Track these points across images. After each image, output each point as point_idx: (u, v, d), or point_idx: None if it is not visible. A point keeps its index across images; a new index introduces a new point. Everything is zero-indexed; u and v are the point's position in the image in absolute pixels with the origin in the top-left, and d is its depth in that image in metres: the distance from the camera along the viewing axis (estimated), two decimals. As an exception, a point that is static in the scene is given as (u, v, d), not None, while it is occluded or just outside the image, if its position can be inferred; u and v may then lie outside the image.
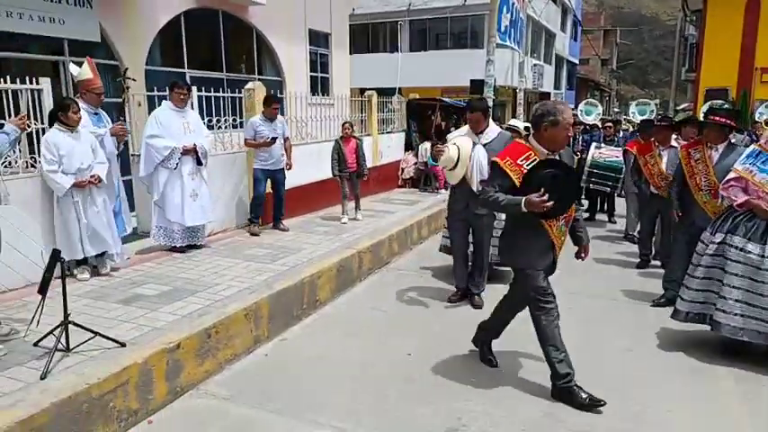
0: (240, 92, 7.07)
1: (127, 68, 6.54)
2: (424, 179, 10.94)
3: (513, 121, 6.99)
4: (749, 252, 3.79)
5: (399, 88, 17.82)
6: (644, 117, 12.21)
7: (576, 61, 38.66)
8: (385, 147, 10.74)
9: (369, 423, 3.13)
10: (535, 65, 25.53)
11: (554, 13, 29.41)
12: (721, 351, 4.03)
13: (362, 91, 11.00)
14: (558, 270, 6.28)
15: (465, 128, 5.04)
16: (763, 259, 3.73)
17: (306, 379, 3.67)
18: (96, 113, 5.02)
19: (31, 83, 4.58)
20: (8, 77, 4.47)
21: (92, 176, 4.50)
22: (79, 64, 4.98)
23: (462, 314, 4.91)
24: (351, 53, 14.94)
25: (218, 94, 6.75)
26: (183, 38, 9.15)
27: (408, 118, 12.07)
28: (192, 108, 6.02)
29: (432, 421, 3.15)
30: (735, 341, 3.89)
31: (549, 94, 29.11)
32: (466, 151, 4.66)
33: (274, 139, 6.51)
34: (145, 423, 3.18)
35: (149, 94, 6.85)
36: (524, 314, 4.57)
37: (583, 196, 10.52)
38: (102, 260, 4.87)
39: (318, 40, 13.09)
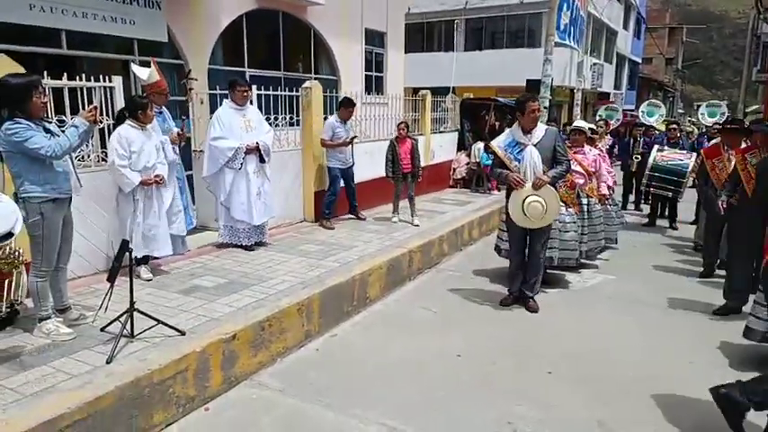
0: (297, 90, 7.20)
1: (190, 70, 6.71)
2: (477, 179, 10.82)
3: (578, 122, 6.77)
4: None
5: (453, 87, 17.68)
6: (714, 119, 11.69)
7: (639, 60, 37.19)
8: (437, 146, 10.70)
9: (417, 422, 3.13)
10: (594, 64, 24.76)
11: (616, 10, 28.42)
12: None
13: (416, 90, 11.00)
14: (613, 276, 6.14)
15: (508, 130, 4.94)
16: None
17: (355, 375, 3.72)
18: (160, 112, 5.13)
19: (103, 81, 4.81)
20: (83, 75, 4.71)
21: (156, 176, 4.54)
22: (143, 64, 5.16)
23: (514, 318, 4.83)
24: (405, 52, 14.94)
25: (276, 93, 6.91)
26: (244, 38, 9.41)
27: (462, 117, 11.97)
28: (252, 104, 6.16)
29: (481, 424, 3.13)
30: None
31: (608, 94, 28.18)
32: (548, 194, 4.58)
33: (353, 138, 6.96)
34: (201, 410, 3.30)
35: (212, 92, 7.08)
36: (574, 312, 4.48)
37: (642, 201, 10.20)
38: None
39: (374, 39, 13.16)
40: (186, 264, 5.19)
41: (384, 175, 7.39)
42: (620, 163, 10.23)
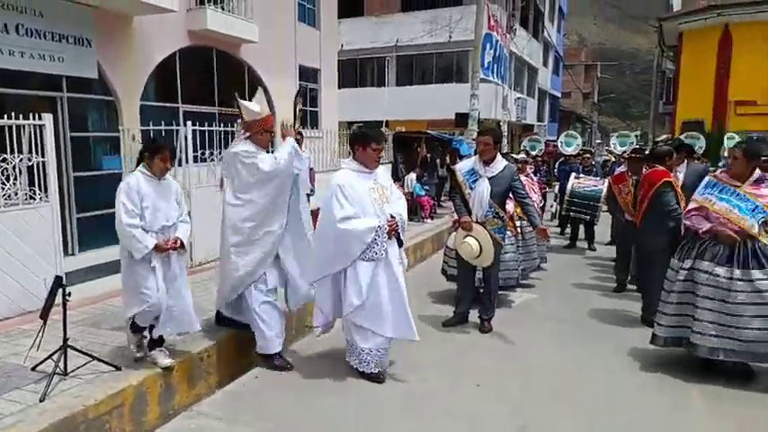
0: (231, 125, 7.31)
1: (300, 90, 5.06)
2: (410, 209, 11.16)
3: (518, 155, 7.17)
4: (718, 275, 4.00)
5: (386, 121, 18.25)
6: (624, 148, 12.73)
7: (559, 95, 39.73)
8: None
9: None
10: (518, 98, 26.24)
11: (536, 48, 30.37)
12: (696, 368, 4.22)
13: (350, 124, 11.36)
14: (536, 295, 6.54)
15: (475, 158, 5.19)
16: (731, 281, 3.94)
17: (294, 399, 3.80)
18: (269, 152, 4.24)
19: (33, 119, 4.77)
20: (12, 114, 4.66)
21: (174, 240, 3.67)
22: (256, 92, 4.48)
23: (446, 339, 5.05)
24: (339, 87, 15.36)
25: (211, 128, 6.99)
26: (178, 74, 9.45)
27: (395, 150, 12.42)
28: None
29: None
30: (708, 359, 4.10)
31: (532, 126, 29.81)
32: (484, 238, 4.83)
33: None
34: (140, 443, 3.30)
35: (143, 128, 7.08)
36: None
37: (567, 225, 10.87)
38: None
39: (308, 75, 13.50)
40: (118, 300, 5.09)
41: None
42: (557, 184, 10.84)
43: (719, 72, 19.95)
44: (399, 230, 3.95)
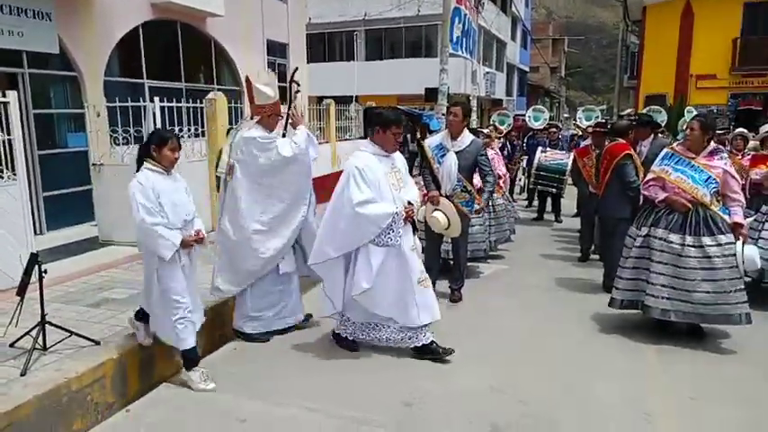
0: (200, 101, 7.23)
1: (297, 69, 5.29)
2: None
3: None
4: (671, 242, 4.25)
5: (356, 96, 18.19)
6: (589, 122, 13.04)
7: (527, 69, 40.00)
8: (343, 153, 11.05)
9: (328, 401, 3.44)
10: (487, 72, 26.39)
11: (504, 23, 30.46)
12: (653, 330, 4.50)
13: (320, 99, 11.31)
14: (506, 266, 6.76)
15: (443, 132, 5.30)
16: (683, 247, 4.20)
17: (272, 367, 3.94)
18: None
19: (-3, 95, 4.66)
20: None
21: (197, 231, 3.55)
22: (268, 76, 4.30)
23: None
24: (308, 62, 15.20)
25: (179, 105, 6.91)
26: (142, 48, 9.24)
27: (366, 125, 12.45)
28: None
29: (390, 396, 3.49)
30: (662, 321, 4.38)
31: (501, 100, 30.07)
32: (451, 211, 4.92)
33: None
34: (123, 412, 3.39)
35: (109, 105, 6.96)
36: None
37: (535, 198, 11.15)
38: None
39: (276, 50, 13.32)
40: (92, 278, 5.15)
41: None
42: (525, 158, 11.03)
43: (681, 46, 20.45)
44: (414, 217, 3.97)
